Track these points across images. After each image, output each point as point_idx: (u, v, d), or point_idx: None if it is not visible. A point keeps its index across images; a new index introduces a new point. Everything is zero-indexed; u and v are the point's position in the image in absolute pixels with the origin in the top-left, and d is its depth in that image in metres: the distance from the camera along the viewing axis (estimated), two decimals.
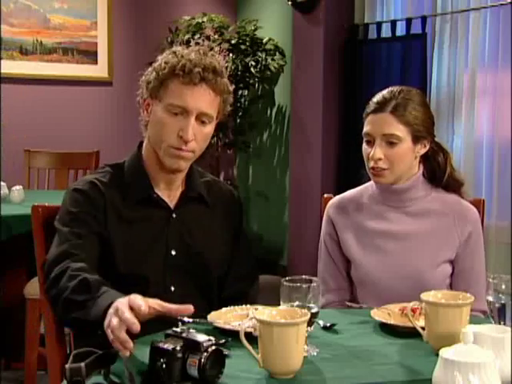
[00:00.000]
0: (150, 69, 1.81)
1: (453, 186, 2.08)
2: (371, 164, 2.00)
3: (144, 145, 1.87)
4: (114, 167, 1.87)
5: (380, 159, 1.98)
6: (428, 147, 2.04)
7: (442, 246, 2.03)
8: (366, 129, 2.01)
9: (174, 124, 1.75)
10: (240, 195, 2.08)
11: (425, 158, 2.08)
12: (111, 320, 1.36)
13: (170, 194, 1.86)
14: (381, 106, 1.99)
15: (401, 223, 2.05)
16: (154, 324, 1.55)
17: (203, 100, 1.76)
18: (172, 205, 1.85)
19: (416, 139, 2.00)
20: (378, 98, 2.02)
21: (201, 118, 1.77)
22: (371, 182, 2.10)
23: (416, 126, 1.98)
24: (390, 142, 1.97)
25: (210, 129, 1.81)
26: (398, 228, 2.04)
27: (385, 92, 2.02)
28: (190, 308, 1.40)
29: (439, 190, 2.08)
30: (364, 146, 2.03)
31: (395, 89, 2.02)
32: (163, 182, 1.84)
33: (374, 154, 1.99)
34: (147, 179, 1.83)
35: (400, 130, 1.97)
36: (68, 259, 1.66)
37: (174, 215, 1.84)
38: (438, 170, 2.08)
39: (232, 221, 1.95)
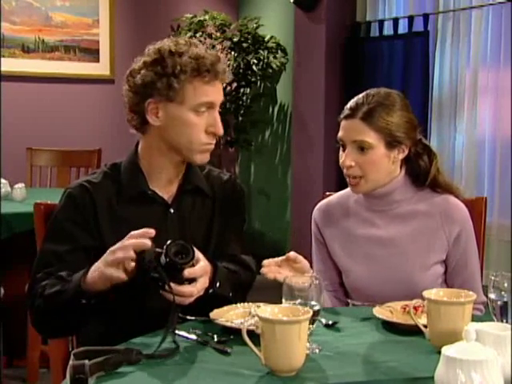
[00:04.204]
0: (146, 72, 1.75)
1: (438, 188, 2.04)
2: (344, 171, 1.99)
3: (141, 144, 1.85)
4: (112, 166, 1.86)
5: (351, 166, 1.96)
6: (407, 151, 1.99)
7: (431, 247, 2.00)
8: (338, 134, 1.99)
9: (201, 122, 1.77)
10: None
11: (406, 161, 2.03)
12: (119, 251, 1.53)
13: (168, 190, 1.84)
14: (352, 112, 1.95)
15: (388, 228, 2.02)
16: (155, 323, 1.56)
17: (220, 91, 1.80)
18: (169, 200, 1.84)
19: (390, 145, 1.95)
20: (351, 102, 1.98)
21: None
22: None
23: (389, 132, 1.94)
24: (361, 148, 1.94)
25: None
26: (385, 233, 2.02)
27: (360, 96, 1.98)
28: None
29: (427, 190, 2.04)
30: (340, 152, 2.00)
31: (371, 92, 1.98)
32: (164, 179, 1.83)
33: (344, 161, 1.97)
34: (142, 176, 1.82)
35: (371, 137, 1.93)
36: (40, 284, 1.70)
37: (171, 210, 1.83)
38: (420, 173, 2.03)
39: (234, 210, 1.93)
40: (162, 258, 1.51)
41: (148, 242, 1.53)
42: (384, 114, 1.94)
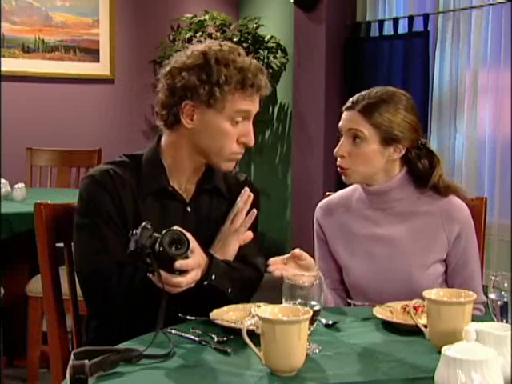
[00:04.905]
0: (189, 77, 1.74)
1: (440, 189, 2.03)
2: (337, 161, 2.01)
3: (166, 140, 1.84)
4: (131, 158, 1.85)
5: (343, 156, 1.98)
6: (403, 152, 1.99)
7: (431, 247, 2.00)
8: (339, 124, 2.03)
9: (234, 132, 1.78)
10: None
11: (407, 161, 2.03)
12: None
13: (187, 188, 1.85)
14: (352, 105, 1.99)
15: (389, 226, 2.02)
16: (155, 323, 1.56)
17: (258, 103, 1.81)
18: (187, 198, 1.84)
19: (386, 142, 1.96)
20: (354, 96, 2.01)
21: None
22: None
23: (386, 129, 1.95)
24: (355, 138, 1.96)
25: None
26: (386, 232, 2.02)
27: (364, 91, 2.01)
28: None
29: (428, 190, 2.03)
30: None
31: (377, 88, 2.00)
32: (185, 176, 1.84)
33: (337, 149, 2.00)
34: (164, 171, 1.82)
35: (366, 129, 1.95)
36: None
37: (188, 209, 1.83)
38: (421, 175, 2.03)
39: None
40: (157, 246, 1.51)
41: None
42: (383, 111, 1.95)
